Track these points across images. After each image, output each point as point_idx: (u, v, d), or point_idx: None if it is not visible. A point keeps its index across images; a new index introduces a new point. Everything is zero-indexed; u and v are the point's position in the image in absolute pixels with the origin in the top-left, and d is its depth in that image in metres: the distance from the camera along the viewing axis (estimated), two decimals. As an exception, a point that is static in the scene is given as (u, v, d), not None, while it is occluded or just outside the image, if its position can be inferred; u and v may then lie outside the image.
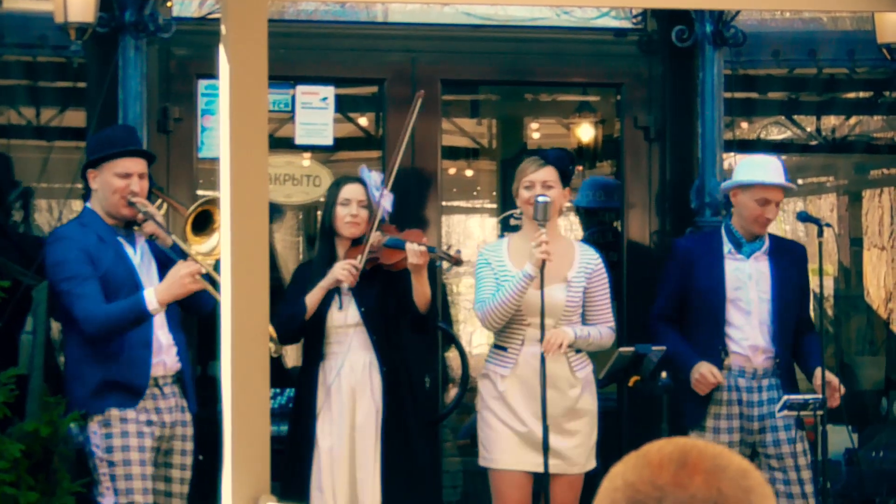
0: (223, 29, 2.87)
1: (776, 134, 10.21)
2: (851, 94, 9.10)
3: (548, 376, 6.02)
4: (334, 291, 6.39)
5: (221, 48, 2.84)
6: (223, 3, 2.95)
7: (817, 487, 6.46)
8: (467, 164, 11.55)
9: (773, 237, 6.77)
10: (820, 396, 6.34)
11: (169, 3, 7.61)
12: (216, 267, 5.78)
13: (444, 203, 8.48)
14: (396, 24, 8.13)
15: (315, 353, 6.43)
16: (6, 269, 6.52)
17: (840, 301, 10.78)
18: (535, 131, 10.88)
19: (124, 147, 6.12)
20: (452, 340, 8.74)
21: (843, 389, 6.49)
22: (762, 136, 10.13)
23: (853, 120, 9.79)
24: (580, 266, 6.37)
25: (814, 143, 9.64)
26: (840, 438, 7.41)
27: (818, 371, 6.47)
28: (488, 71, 8.22)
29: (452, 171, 11.26)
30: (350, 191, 6.49)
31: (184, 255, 6.01)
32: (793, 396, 6.39)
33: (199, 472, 6.35)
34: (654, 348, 6.32)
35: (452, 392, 8.83)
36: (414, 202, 7.70)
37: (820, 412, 6.32)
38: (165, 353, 6.12)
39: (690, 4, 6.95)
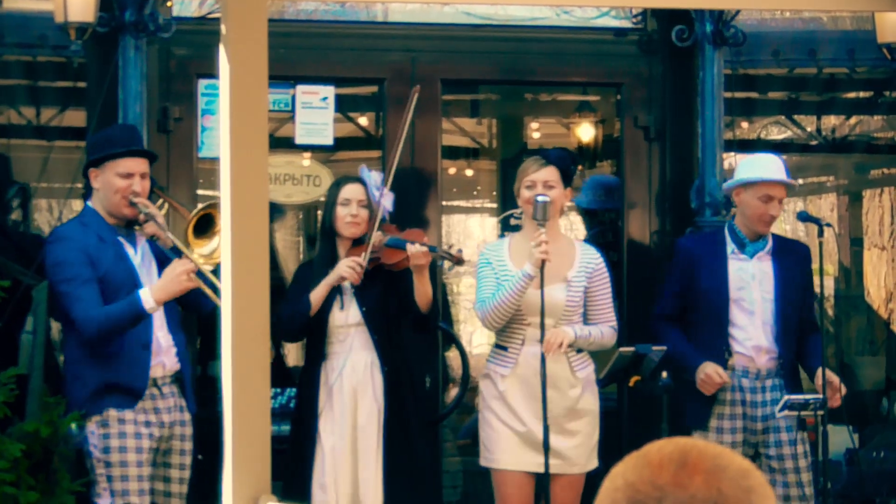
0: (223, 29, 2.87)
1: (776, 134, 10.21)
2: (851, 94, 9.10)
3: (548, 376, 6.02)
4: (336, 291, 6.39)
5: (221, 48, 2.84)
6: (223, 2, 2.95)
7: (817, 488, 6.46)
8: (467, 163, 11.56)
9: (776, 237, 6.76)
10: (820, 396, 6.34)
11: (169, 3, 7.61)
12: (217, 270, 5.77)
13: (444, 203, 8.48)
14: (396, 23, 8.13)
15: (317, 352, 6.43)
16: (6, 269, 6.52)
17: (840, 301, 10.77)
18: (535, 131, 10.88)
19: (127, 147, 6.11)
20: (453, 340, 8.74)
21: (844, 389, 6.48)
22: (762, 136, 10.13)
23: (853, 120, 9.79)
24: (581, 266, 6.37)
25: (814, 142, 9.64)
26: (840, 438, 7.40)
27: (820, 371, 6.46)
28: (488, 70, 8.22)
29: (452, 170, 11.26)
30: (350, 191, 6.49)
31: (181, 255, 6.00)
32: (793, 396, 6.38)
33: (198, 472, 6.34)
34: (655, 348, 6.31)
35: (453, 392, 8.83)
36: (414, 202, 7.70)
37: (820, 412, 6.32)
38: (165, 354, 6.11)
39: (690, 4, 6.96)
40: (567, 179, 6.38)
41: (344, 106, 8.68)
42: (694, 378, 6.52)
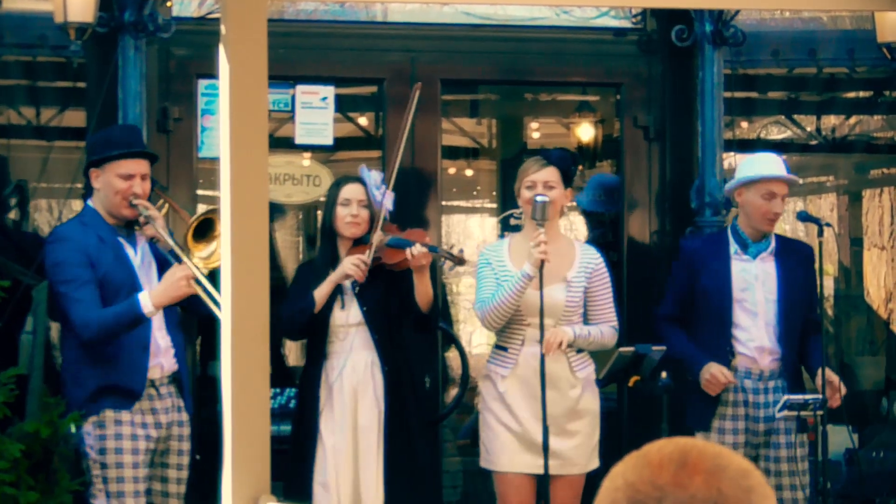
0: (223, 29, 2.87)
1: (776, 133, 10.21)
2: (851, 94, 9.10)
3: (548, 376, 6.02)
4: (337, 291, 6.39)
5: (221, 48, 2.84)
6: (223, 3, 2.95)
7: (817, 488, 6.46)
8: (467, 163, 11.55)
9: (779, 237, 6.75)
10: (820, 396, 6.33)
11: (168, 3, 7.61)
12: (216, 276, 5.76)
13: (444, 203, 8.48)
14: (396, 23, 8.13)
15: (317, 352, 6.43)
16: (6, 269, 6.51)
17: (840, 301, 10.77)
18: (535, 131, 10.88)
19: (128, 148, 6.10)
20: (452, 340, 8.74)
21: (844, 390, 6.47)
22: (762, 136, 10.13)
23: (853, 119, 9.78)
24: (580, 266, 6.37)
25: (814, 142, 9.64)
26: (840, 438, 7.40)
27: (820, 370, 6.45)
28: (488, 70, 8.22)
29: (452, 170, 11.26)
30: (350, 191, 6.49)
31: (180, 260, 6.00)
32: (793, 397, 6.38)
33: (198, 472, 6.34)
34: (655, 348, 6.31)
35: (452, 392, 8.83)
36: (414, 202, 7.69)
37: (820, 412, 6.31)
38: (163, 356, 6.10)
39: (690, 4, 6.96)
40: (568, 180, 6.38)
41: (344, 106, 8.68)
42: (698, 379, 6.51)
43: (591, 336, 6.30)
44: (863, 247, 10.77)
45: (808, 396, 6.38)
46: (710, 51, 7.69)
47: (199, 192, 7.98)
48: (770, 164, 6.62)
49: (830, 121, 9.63)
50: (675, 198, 7.89)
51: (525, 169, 6.37)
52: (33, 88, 7.98)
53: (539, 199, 6.14)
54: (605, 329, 6.36)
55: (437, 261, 6.46)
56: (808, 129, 9.56)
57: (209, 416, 6.97)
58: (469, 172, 11.74)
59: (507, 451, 6.25)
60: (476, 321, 7.62)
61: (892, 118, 9.62)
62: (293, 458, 6.39)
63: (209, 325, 5.85)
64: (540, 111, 10.79)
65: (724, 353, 6.53)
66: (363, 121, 9.60)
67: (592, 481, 6.25)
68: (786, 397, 6.36)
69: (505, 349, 6.33)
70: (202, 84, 7.62)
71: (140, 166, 6.09)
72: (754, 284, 6.58)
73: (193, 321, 7.12)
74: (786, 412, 6.33)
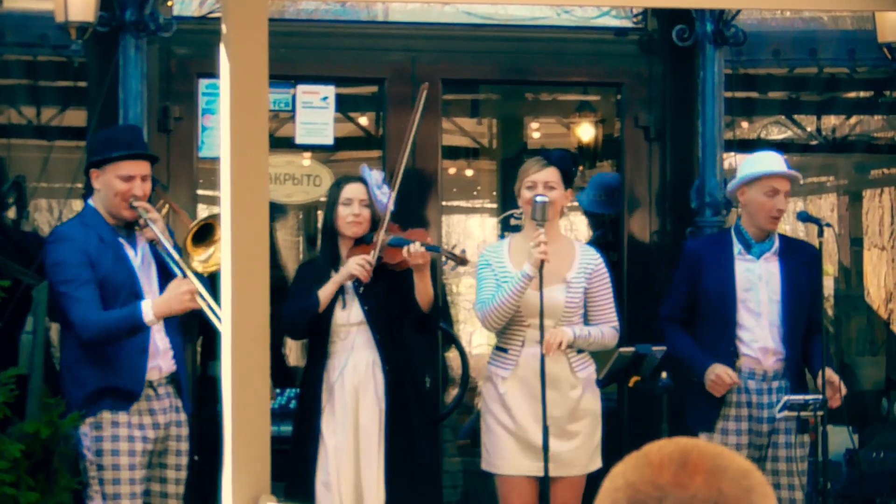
0: (223, 28, 2.87)
1: (776, 133, 10.21)
2: (852, 94, 9.10)
3: (548, 377, 6.01)
4: (338, 290, 6.39)
5: (222, 47, 2.84)
6: (223, 2, 2.95)
7: (816, 488, 6.45)
8: (467, 163, 11.56)
9: (783, 237, 6.74)
10: (820, 397, 6.33)
11: (169, 3, 7.61)
12: (217, 277, 5.75)
13: (444, 203, 8.48)
14: (397, 23, 8.14)
15: (319, 352, 6.43)
16: (6, 269, 6.51)
17: (840, 301, 10.78)
18: (536, 131, 10.89)
19: (128, 149, 6.09)
20: (452, 340, 8.74)
21: (844, 389, 6.47)
22: (762, 136, 10.13)
23: (853, 119, 9.79)
24: (580, 266, 6.36)
25: (814, 142, 9.64)
26: (840, 439, 7.40)
27: (821, 371, 6.45)
28: (489, 70, 8.22)
29: (452, 170, 11.27)
30: (351, 190, 6.49)
31: (177, 263, 5.99)
32: (793, 397, 6.38)
33: (197, 472, 6.34)
34: (655, 348, 6.31)
35: (453, 392, 8.83)
36: (414, 202, 7.70)
37: (820, 412, 6.31)
38: (161, 358, 6.09)
39: (690, 4, 6.95)
40: (568, 180, 6.37)
41: (344, 106, 8.68)
42: (702, 380, 6.49)
43: (592, 336, 6.30)
44: (863, 247, 10.78)
45: (808, 397, 6.37)
46: (711, 51, 7.69)
47: (200, 191, 7.98)
48: (771, 162, 6.63)
49: (831, 121, 9.64)
50: (675, 198, 7.89)
51: (525, 169, 6.37)
52: (34, 88, 7.98)
53: (539, 199, 6.14)
54: (605, 329, 6.35)
55: (437, 261, 6.46)
56: (809, 129, 9.56)
57: (209, 416, 6.97)
58: (469, 172, 11.75)
59: (508, 455, 6.25)
60: (476, 321, 7.62)
61: (892, 118, 9.62)
62: (295, 458, 6.40)
63: (210, 326, 5.86)
64: (540, 111, 10.79)
65: (728, 354, 6.52)
66: (364, 121, 9.60)
67: (593, 481, 6.25)
68: (786, 398, 6.36)
69: (505, 350, 6.32)
70: (203, 83, 7.62)
71: (140, 168, 6.08)
72: (758, 285, 6.57)
73: (194, 321, 7.12)
74: (786, 412, 6.33)
